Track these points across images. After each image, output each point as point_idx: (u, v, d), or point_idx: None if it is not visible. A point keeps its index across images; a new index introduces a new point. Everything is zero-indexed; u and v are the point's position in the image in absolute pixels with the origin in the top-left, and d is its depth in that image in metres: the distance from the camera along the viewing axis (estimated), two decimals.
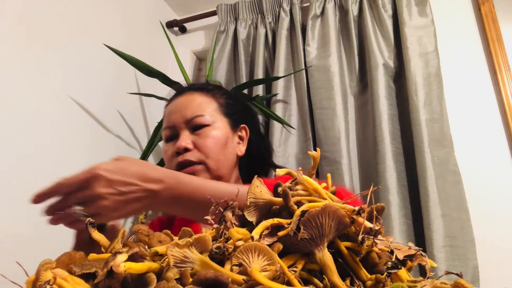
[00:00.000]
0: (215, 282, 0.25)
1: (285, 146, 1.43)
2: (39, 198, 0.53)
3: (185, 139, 0.80)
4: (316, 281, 0.29)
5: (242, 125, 0.90)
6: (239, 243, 0.30)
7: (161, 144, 1.65)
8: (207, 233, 0.30)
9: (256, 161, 0.95)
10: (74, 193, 0.51)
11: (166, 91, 1.67)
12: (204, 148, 0.80)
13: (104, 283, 0.26)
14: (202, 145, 0.80)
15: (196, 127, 0.81)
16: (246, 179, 0.90)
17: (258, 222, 0.33)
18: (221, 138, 0.82)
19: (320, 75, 1.44)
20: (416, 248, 0.30)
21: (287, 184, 0.35)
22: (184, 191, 0.54)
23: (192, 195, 0.54)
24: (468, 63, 1.40)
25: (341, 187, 0.73)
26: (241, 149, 0.89)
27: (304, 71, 1.48)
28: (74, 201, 0.52)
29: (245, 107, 1.00)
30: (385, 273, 0.28)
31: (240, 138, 0.90)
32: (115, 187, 0.51)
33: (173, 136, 0.83)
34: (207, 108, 0.84)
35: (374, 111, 1.33)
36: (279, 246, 0.30)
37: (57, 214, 0.54)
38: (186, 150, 0.79)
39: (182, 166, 0.78)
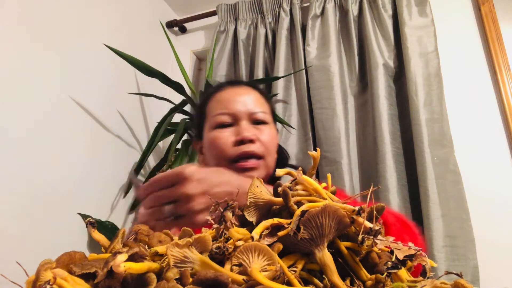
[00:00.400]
0: (215, 282, 0.25)
1: (285, 146, 1.43)
2: (143, 193, 0.52)
3: (250, 130, 0.77)
4: (316, 281, 0.29)
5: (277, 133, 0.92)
6: (239, 243, 0.30)
7: (161, 144, 1.65)
8: (207, 233, 0.30)
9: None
10: (167, 189, 0.50)
11: (166, 91, 1.67)
12: (266, 144, 0.78)
13: (104, 283, 0.26)
14: (264, 141, 0.78)
15: (258, 122, 0.80)
16: None
17: (258, 222, 0.33)
18: (276, 139, 0.83)
19: (320, 75, 1.44)
20: (416, 248, 0.30)
21: (287, 184, 0.35)
22: None
23: None
24: (468, 63, 1.40)
25: (340, 189, 0.73)
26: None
27: (304, 71, 1.48)
28: (165, 199, 0.50)
29: None
30: (385, 273, 0.28)
31: None
32: (207, 184, 0.49)
33: (230, 124, 0.79)
34: (266, 108, 0.84)
35: (374, 111, 1.33)
36: (279, 246, 0.30)
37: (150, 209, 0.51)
38: (251, 141, 0.76)
39: (246, 157, 0.75)
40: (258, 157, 0.76)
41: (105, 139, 1.39)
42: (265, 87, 1.56)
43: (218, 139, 0.77)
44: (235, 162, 0.75)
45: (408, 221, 0.67)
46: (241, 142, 0.75)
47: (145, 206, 0.51)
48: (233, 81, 0.92)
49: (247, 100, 0.80)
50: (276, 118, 0.91)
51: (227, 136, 0.76)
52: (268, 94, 0.94)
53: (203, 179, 0.49)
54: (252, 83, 0.94)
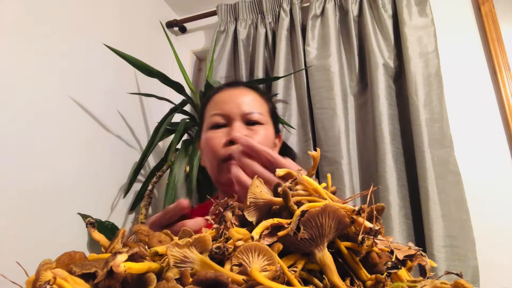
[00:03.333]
0: (215, 282, 0.25)
1: None
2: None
3: (241, 131, 0.77)
4: (316, 281, 0.29)
5: (279, 134, 0.91)
6: (239, 243, 0.30)
7: (161, 144, 1.65)
8: (207, 233, 0.30)
9: None
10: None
11: (166, 91, 1.67)
12: None
13: (104, 283, 0.26)
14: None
15: (251, 122, 0.80)
16: None
17: (258, 222, 0.33)
18: (271, 140, 0.83)
19: (320, 75, 1.44)
20: (416, 248, 0.30)
21: (287, 184, 0.35)
22: None
23: None
24: (468, 63, 1.40)
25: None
26: None
27: (304, 71, 1.48)
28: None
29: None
30: (385, 273, 0.28)
31: (275, 145, 0.90)
32: None
33: (223, 125, 0.80)
34: (262, 108, 0.83)
35: (374, 111, 1.33)
36: (279, 246, 0.30)
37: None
38: None
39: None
40: None
41: (105, 139, 1.39)
42: (265, 87, 1.56)
43: (211, 139, 0.79)
44: (226, 162, 0.76)
45: None
46: (231, 142, 0.76)
47: None
48: (232, 83, 0.93)
49: (242, 101, 0.81)
50: (277, 118, 0.90)
51: (219, 137, 0.78)
52: (268, 94, 0.93)
53: None
54: (251, 84, 0.94)
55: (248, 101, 0.82)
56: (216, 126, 0.81)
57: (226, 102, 0.82)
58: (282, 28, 1.57)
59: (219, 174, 0.77)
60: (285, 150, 0.96)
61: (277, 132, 0.90)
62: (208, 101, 0.87)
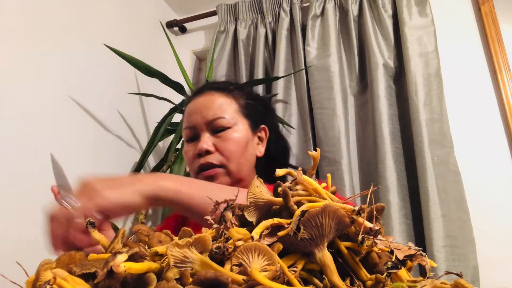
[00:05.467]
0: (215, 282, 0.25)
1: None
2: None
3: (207, 141, 0.79)
4: (316, 281, 0.29)
5: (262, 126, 0.89)
6: (239, 243, 0.30)
7: (161, 144, 1.65)
8: (207, 233, 0.30)
9: (273, 161, 0.92)
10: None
11: (166, 91, 1.67)
12: (226, 151, 0.79)
13: (104, 283, 0.26)
14: (223, 148, 0.79)
15: (217, 130, 0.81)
16: (263, 179, 0.89)
17: (258, 222, 0.33)
18: (242, 141, 0.82)
19: (320, 75, 1.44)
20: (416, 248, 0.30)
21: (287, 184, 0.35)
22: (179, 197, 0.53)
23: (187, 203, 0.53)
24: (468, 63, 1.40)
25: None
26: (261, 150, 0.88)
27: (304, 71, 1.48)
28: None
29: (265, 106, 0.99)
30: (385, 273, 0.28)
31: (260, 138, 0.89)
32: (105, 179, 0.51)
33: (194, 137, 0.83)
34: (228, 110, 0.83)
35: (374, 111, 1.33)
36: (279, 246, 0.30)
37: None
38: (208, 152, 0.79)
39: (204, 169, 0.79)
40: (217, 166, 0.79)
41: (105, 139, 1.39)
42: (265, 87, 1.56)
43: (185, 154, 0.84)
44: (199, 174, 0.80)
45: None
46: (199, 155, 0.79)
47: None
48: (198, 89, 0.91)
49: (205, 109, 0.82)
50: (255, 112, 0.88)
51: (191, 150, 0.82)
52: (239, 90, 0.89)
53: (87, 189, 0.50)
54: (218, 84, 0.92)
55: (213, 107, 0.82)
56: (189, 140, 0.84)
57: (191, 114, 0.84)
58: (282, 28, 1.57)
59: None
60: (277, 141, 0.95)
61: (256, 126, 0.87)
62: (183, 112, 0.91)
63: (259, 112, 0.90)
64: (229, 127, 0.81)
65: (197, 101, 0.85)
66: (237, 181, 0.80)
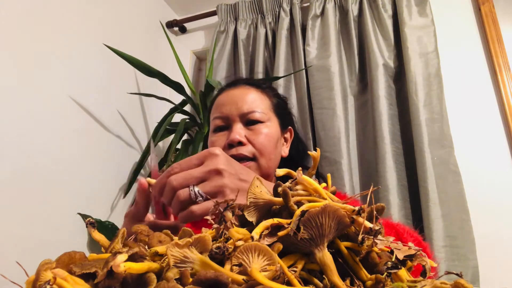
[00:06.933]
0: (215, 282, 0.25)
1: None
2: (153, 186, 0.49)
3: (240, 132, 0.78)
4: (316, 281, 0.29)
5: (289, 127, 0.91)
6: (239, 243, 0.30)
7: (161, 144, 1.65)
8: (207, 233, 0.30)
9: (292, 163, 0.93)
10: (193, 170, 0.46)
11: (166, 91, 1.67)
12: (258, 145, 0.79)
13: (104, 283, 0.26)
14: (256, 141, 0.79)
15: (250, 122, 0.80)
16: (282, 181, 0.88)
17: (258, 222, 0.33)
18: (274, 137, 0.82)
19: (320, 75, 1.44)
20: (416, 248, 0.30)
21: (287, 184, 0.35)
22: None
23: None
24: (468, 63, 1.40)
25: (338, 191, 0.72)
26: (285, 150, 0.89)
27: (304, 71, 1.48)
28: (194, 180, 0.45)
29: (290, 109, 1.01)
30: (385, 273, 0.28)
31: (285, 139, 0.90)
32: (235, 168, 0.47)
33: (224, 127, 0.82)
34: (261, 105, 0.83)
35: (374, 111, 1.33)
36: (279, 246, 0.30)
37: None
38: (240, 143, 0.78)
39: (237, 159, 0.76)
40: (249, 158, 0.78)
41: (105, 139, 1.39)
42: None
43: (213, 143, 0.82)
44: None
45: (423, 242, 0.69)
46: (231, 145, 0.78)
47: (173, 187, 0.45)
48: (233, 82, 0.92)
49: (241, 101, 0.81)
50: (284, 113, 0.89)
51: (220, 140, 0.80)
52: (272, 89, 0.91)
53: (231, 163, 0.47)
54: (253, 80, 0.93)
55: (248, 100, 0.82)
56: (218, 129, 0.82)
57: (225, 104, 0.82)
58: (282, 28, 1.57)
59: None
60: (297, 144, 0.96)
61: (284, 126, 0.89)
62: (212, 104, 0.89)
63: (288, 113, 0.93)
64: (262, 122, 0.81)
65: (232, 92, 0.85)
66: (266, 176, 0.80)
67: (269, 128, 0.82)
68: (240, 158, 0.77)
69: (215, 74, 1.63)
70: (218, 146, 0.79)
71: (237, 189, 0.45)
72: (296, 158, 0.94)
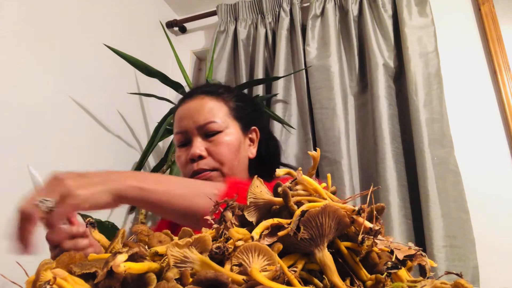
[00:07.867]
0: (215, 282, 0.25)
1: (285, 146, 1.43)
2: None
3: (199, 146, 0.79)
4: (316, 281, 0.29)
5: (253, 128, 0.90)
6: (239, 243, 0.30)
7: (161, 144, 1.65)
8: (207, 233, 0.30)
9: (265, 161, 0.93)
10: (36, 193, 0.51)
11: (166, 91, 1.67)
12: (219, 156, 0.80)
13: (104, 283, 0.26)
14: (216, 153, 0.80)
15: (208, 134, 0.81)
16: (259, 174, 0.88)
17: (258, 222, 0.33)
18: (234, 144, 0.82)
19: (320, 75, 1.44)
20: (416, 248, 0.30)
21: (287, 184, 0.35)
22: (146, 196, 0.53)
23: (153, 201, 0.53)
24: (468, 63, 1.40)
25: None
26: (252, 151, 0.89)
27: (304, 71, 1.48)
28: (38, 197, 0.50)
29: (255, 107, 0.99)
30: (385, 273, 0.28)
31: (251, 140, 0.90)
32: (78, 173, 0.51)
33: (186, 142, 0.83)
34: (218, 113, 0.83)
35: (374, 111, 1.33)
36: (279, 246, 0.30)
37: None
38: (200, 157, 0.79)
39: (197, 174, 0.79)
40: (211, 170, 0.79)
41: (105, 139, 1.39)
42: (265, 87, 1.56)
43: (178, 159, 0.84)
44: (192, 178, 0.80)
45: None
46: (193, 159, 0.79)
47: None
48: (188, 93, 0.91)
49: (196, 114, 0.82)
50: (245, 114, 0.88)
51: (184, 155, 0.82)
52: (229, 92, 0.89)
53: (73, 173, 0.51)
54: (208, 88, 0.92)
55: (204, 111, 0.82)
56: (181, 145, 0.84)
57: (182, 119, 0.84)
58: (282, 28, 1.57)
59: None
60: (267, 141, 0.95)
61: (247, 128, 0.88)
62: (174, 117, 0.90)
63: (250, 113, 0.91)
64: (220, 131, 0.81)
65: (188, 105, 0.85)
66: None
67: (229, 136, 0.82)
68: (201, 172, 0.79)
69: (215, 74, 1.63)
70: (181, 162, 0.82)
71: (82, 184, 0.48)
72: (266, 156, 0.93)
